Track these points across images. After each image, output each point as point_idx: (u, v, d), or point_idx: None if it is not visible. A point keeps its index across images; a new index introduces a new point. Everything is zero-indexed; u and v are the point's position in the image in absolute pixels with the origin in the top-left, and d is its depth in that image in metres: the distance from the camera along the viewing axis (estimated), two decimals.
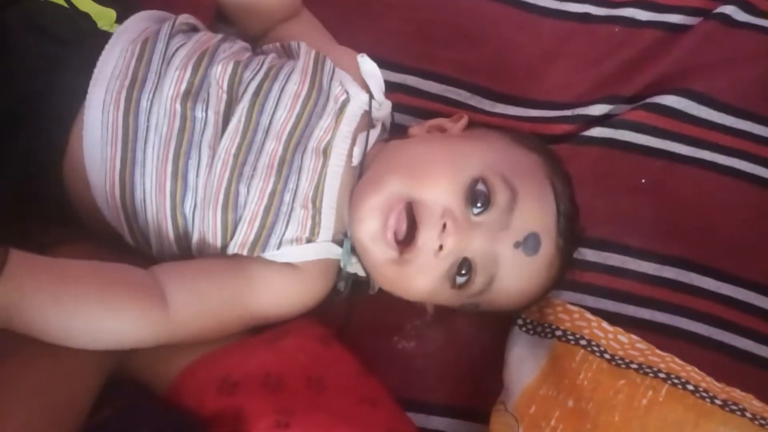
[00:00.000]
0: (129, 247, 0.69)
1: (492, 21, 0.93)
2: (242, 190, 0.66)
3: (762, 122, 0.90)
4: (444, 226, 0.64)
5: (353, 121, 0.71)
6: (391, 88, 0.77)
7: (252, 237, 0.67)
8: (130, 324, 0.61)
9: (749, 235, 0.85)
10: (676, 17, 0.95)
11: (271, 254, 0.68)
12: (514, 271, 0.67)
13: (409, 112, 0.86)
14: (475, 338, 0.78)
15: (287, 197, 0.67)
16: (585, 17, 0.95)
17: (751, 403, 0.67)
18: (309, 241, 0.69)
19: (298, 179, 0.67)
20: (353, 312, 0.75)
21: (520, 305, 0.73)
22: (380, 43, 0.85)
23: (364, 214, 0.67)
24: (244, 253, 0.67)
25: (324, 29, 0.83)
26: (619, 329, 0.73)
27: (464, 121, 0.76)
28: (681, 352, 0.71)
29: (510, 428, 0.68)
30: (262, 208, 0.66)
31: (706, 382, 0.68)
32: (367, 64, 0.73)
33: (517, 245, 0.66)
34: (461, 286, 0.68)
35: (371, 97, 0.72)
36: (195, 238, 0.67)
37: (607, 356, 0.69)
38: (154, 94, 0.66)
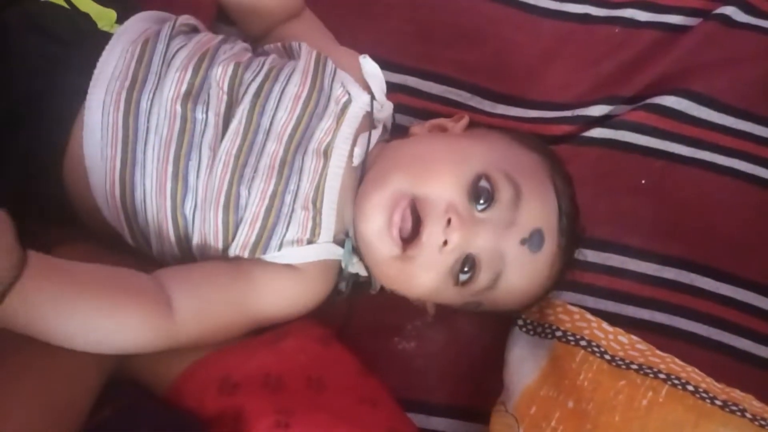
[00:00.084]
0: (129, 248, 0.69)
1: (492, 21, 0.93)
2: (243, 191, 0.66)
3: (762, 123, 0.90)
4: (449, 221, 0.64)
5: (355, 122, 0.71)
6: (391, 88, 0.77)
7: (253, 238, 0.67)
8: (137, 331, 0.61)
9: (749, 235, 0.85)
10: (676, 18, 0.95)
11: (272, 256, 0.68)
12: (519, 268, 0.67)
13: (410, 113, 0.86)
14: (475, 339, 0.79)
15: (288, 198, 0.67)
16: (585, 18, 0.95)
17: (751, 403, 0.67)
18: (310, 242, 0.69)
19: (299, 180, 0.67)
20: (353, 312, 0.75)
21: (522, 304, 0.73)
22: (380, 44, 0.85)
23: (368, 210, 0.67)
24: (246, 254, 0.67)
25: (326, 30, 0.83)
26: (619, 330, 0.73)
27: (465, 120, 0.76)
28: (681, 353, 0.71)
29: (510, 429, 0.68)
30: (263, 209, 0.66)
31: (706, 382, 0.68)
32: (369, 65, 0.74)
33: (523, 242, 0.67)
34: (464, 284, 0.68)
35: (373, 98, 0.73)
36: (196, 239, 0.67)
37: (607, 357, 0.69)
38: (154, 95, 0.66)
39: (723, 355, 0.79)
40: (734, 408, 0.65)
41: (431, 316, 0.77)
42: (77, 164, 0.66)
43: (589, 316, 0.74)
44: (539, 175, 0.70)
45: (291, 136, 0.68)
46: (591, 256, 0.81)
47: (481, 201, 0.66)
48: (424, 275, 0.67)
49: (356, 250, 0.70)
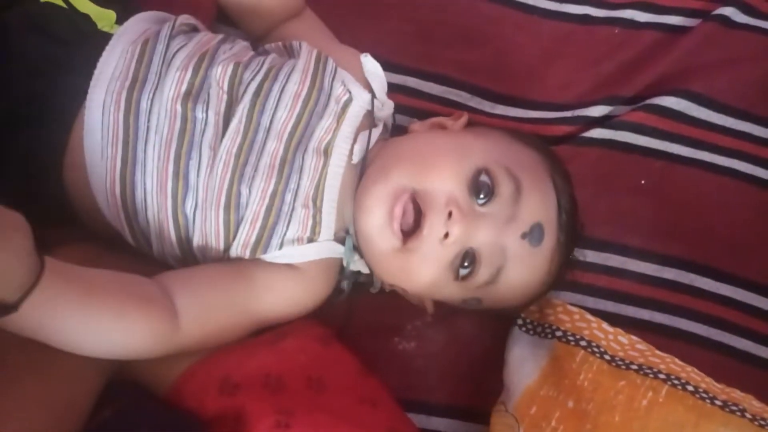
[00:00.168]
0: (129, 248, 0.69)
1: (492, 22, 0.93)
2: (244, 190, 0.66)
3: (761, 123, 0.90)
4: (449, 214, 0.64)
5: (355, 121, 0.71)
6: (391, 89, 0.77)
7: (254, 237, 0.67)
8: (144, 338, 0.60)
9: (749, 235, 0.85)
10: (676, 19, 0.95)
11: (273, 255, 0.68)
12: (519, 263, 0.68)
13: (410, 114, 0.86)
14: (475, 339, 0.79)
15: (288, 197, 0.67)
16: (584, 18, 0.95)
17: (751, 403, 0.67)
18: (310, 240, 0.69)
19: (299, 179, 0.67)
20: (353, 312, 0.74)
21: (521, 301, 0.73)
22: (380, 44, 0.85)
23: (370, 204, 0.67)
24: (247, 254, 0.67)
25: (326, 29, 0.83)
26: (619, 330, 0.73)
27: (464, 119, 0.76)
28: (681, 353, 0.71)
29: (510, 429, 0.68)
30: (263, 208, 0.66)
31: (706, 382, 0.68)
32: (370, 64, 0.74)
33: (524, 236, 0.67)
34: (464, 278, 0.68)
35: (374, 96, 0.73)
36: (197, 238, 0.67)
37: (607, 357, 0.69)
38: (154, 94, 0.66)
39: (723, 355, 0.79)
40: (734, 408, 0.65)
41: (431, 315, 0.77)
42: (77, 164, 0.66)
43: (589, 316, 0.74)
44: (539, 172, 0.70)
45: (291, 135, 0.68)
46: (591, 256, 0.81)
47: (482, 195, 0.66)
48: (424, 268, 0.67)
49: (357, 248, 0.70)
